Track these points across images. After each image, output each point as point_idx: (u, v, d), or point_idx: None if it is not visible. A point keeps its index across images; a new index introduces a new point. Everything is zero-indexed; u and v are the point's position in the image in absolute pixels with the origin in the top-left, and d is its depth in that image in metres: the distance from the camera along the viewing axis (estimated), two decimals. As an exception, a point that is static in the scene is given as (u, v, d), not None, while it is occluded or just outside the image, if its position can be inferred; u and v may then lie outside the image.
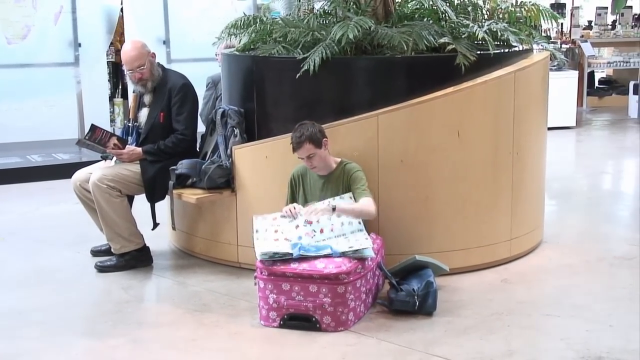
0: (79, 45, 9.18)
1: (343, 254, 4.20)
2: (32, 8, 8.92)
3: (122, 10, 9.44)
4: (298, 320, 4.20)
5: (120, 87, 10.09)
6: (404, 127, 4.82)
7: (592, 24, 13.00)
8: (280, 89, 5.16)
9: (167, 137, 5.22)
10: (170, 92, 5.26)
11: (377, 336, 4.12)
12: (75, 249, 5.66)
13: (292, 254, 4.19)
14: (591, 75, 12.86)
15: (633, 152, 9.26)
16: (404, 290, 4.32)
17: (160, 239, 5.60)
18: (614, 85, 13.15)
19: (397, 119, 4.81)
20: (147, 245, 5.31)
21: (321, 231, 4.38)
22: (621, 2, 12.05)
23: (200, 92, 5.80)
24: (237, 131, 5.16)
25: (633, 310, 4.40)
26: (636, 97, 11.48)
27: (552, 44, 7.40)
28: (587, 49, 11.96)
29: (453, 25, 5.23)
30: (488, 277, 4.96)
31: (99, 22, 9.34)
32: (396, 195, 4.85)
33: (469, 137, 4.90)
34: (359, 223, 4.44)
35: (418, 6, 5.66)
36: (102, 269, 5.20)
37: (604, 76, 13.72)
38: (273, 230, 4.40)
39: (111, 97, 9.88)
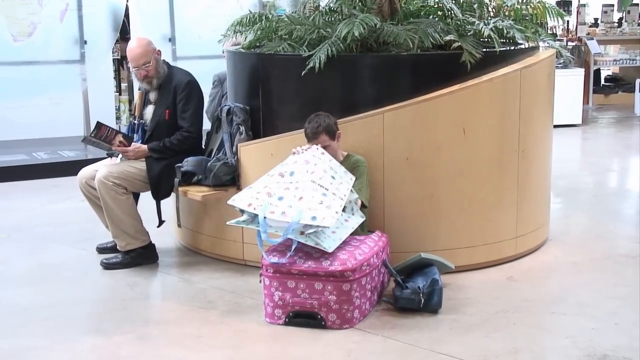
0: (85, 42, 9.19)
1: (299, 238, 4.13)
2: (38, 5, 8.92)
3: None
4: (303, 318, 4.20)
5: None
6: (410, 124, 4.82)
7: (598, 21, 12.97)
8: (286, 87, 5.16)
9: (172, 135, 5.23)
10: (175, 90, 5.27)
11: (382, 334, 4.11)
12: (80, 246, 5.67)
13: (257, 219, 4.17)
14: (597, 72, 12.83)
15: (639, 149, 9.24)
16: (409, 288, 4.32)
17: (165, 237, 5.61)
18: (620, 83, 13.13)
19: (402, 117, 4.80)
20: (152, 242, 5.32)
21: (312, 173, 4.34)
22: (627, 0, 12.02)
23: (206, 89, 5.80)
24: (242, 129, 5.16)
25: (638, 308, 4.39)
26: (642, 94, 11.47)
27: (558, 42, 7.40)
28: (593, 46, 11.94)
29: (459, 22, 5.22)
30: (493, 275, 4.95)
31: (105, 19, 9.34)
32: (401, 193, 4.85)
33: (474, 135, 4.89)
34: (341, 197, 4.31)
35: (424, 3, 5.66)
36: (107, 266, 5.21)
37: (610, 74, 13.68)
38: (267, 177, 4.39)
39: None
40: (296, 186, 4.28)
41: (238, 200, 4.29)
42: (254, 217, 4.24)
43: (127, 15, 9.51)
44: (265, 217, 4.17)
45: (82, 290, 4.90)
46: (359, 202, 4.54)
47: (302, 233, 4.15)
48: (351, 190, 4.45)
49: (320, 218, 4.11)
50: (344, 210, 4.37)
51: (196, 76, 5.43)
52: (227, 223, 4.45)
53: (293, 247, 4.20)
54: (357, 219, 4.49)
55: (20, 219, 6.48)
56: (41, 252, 5.64)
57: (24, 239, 5.95)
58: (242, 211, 4.28)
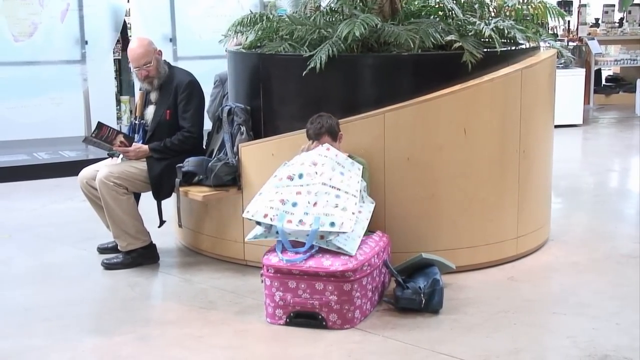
0: (86, 42, 9.20)
1: (319, 242, 4.17)
2: (39, 6, 8.93)
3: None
4: (304, 318, 4.20)
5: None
6: (411, 124, 4.82)
7: (599, 21, 12.97)
8: (287, 87, 5.16)
9: (173, 135, 5.23)
10: (176, 90, 5.27)
11: (383, 334, 4.11)
12: (81, 246, 5.67)
13: (275, 228, 4.20)
14: (598, 73, 12.83)
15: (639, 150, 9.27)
16: (410, 288, 4.32)
17: (166, 237, 5.61)
18: (620, 83, 13.12)
19: (403, 117, 4.80)
20: (153, 242, 5.32)
21: (322, 174, 4.34)
22: (628, 0, 12.01)
23: (207, 89, 5.81)
24: (243, 129, 5.16)
25: (639, 309, 4.39)
26: (643, 95, 11.46)
27: (559, 42, 7.39)
28: (594, 46, 11.93)
29: (460, 22, 5.22)
30: (494, 275, 4.95)
31: (106, 19, 9.36)
32: (402, 193, 4.85)
33: (475, 135, 4.89)
34: (354, 194, 4.33)
35: (425, 4, 5.66)
36: (108, 266, 5.21)
37: (611, 74, 13.68)
38: (276, 181, 4.40)
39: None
40: (308, 190, 4.28)
41: (253, 211, 4.29)
42: (270, 228, 4.26)
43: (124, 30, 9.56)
44: (283, 228, 4.19)
45: (83, 291, 4.90)
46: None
47: (321, 237, 4.18)
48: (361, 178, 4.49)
49: (338, 224, 4.14)
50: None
51: (197, 76, 5.43)
52: (246, 239, 4.48)
53: (313, 250, 4.20)
54: (369, 207, 4.52)
55: (21, 219, 6.49)
56: (42, 252, 5.64)
57: (25, 239, 5.95)
58: (258, 222, 4.30)
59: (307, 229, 4.16)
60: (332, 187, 4.29)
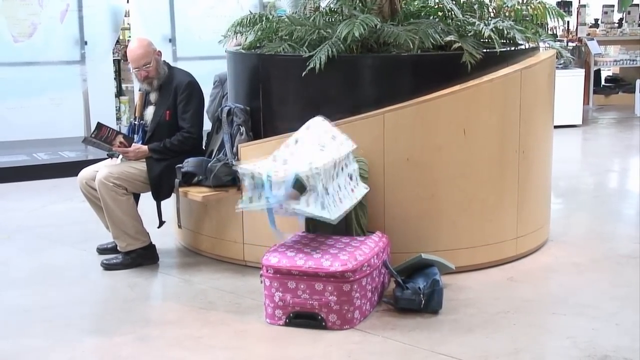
0: (85, 43, 9.20)
1: (305, 212, 4.14)
2: (38, 6, 8.93)
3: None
4: (304, 319, 4.19)
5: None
6: (410, 125, 4.82)
7: (599, 22, 12.97)
8: (286, 87, 5.16)
9: (173, 135, 5.23)
10: (176, 90, 5.27)
11: (383, 334, 4.11)
12: (81, 247, 5.67)
13: (263, 182, 4.17)
14: (597, 73, 12.82)
15: (639, 150, 9.24)
16: (410, 288, 4.32)
17: (166, 237, 5.61)
18: (620, 84, 13.11)
19: (403, 117, 4.80)
20: (153, 243, 5.32)
21: (311, 134, 4.38)
22: (627, 0, 12.01)
23: (207, 90, 5.81)
24: (243, 129, 5.16)
25: (639, 309, 4.39)
26: (643, 95, 11.46)
27: (559, 42, 7.39)
28: (593, 47, 11.93)
29: (459, 23, 5.22)
30: (494, 276, 4.95)
31: (105, 20, 9.35)
32: (402, 194, 4.85)
33: (475, 136, 4.89)
34: (348, 152, 4.40)
35: (424, 4, 5.66)
36: (108, 266, 5.21)
37: (611, 74, 13.67)
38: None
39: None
40: (299, 150, 4.30)
41: (243, 163, 4.29)
42: (257, 189, 4.19)
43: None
44: (269, 177, 4.12)
45: (83, 291, 4.90)
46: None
47: (308, 205, 4.12)
48: (354, 160, 4.50)
49: (314, 162, 4.12)
50: (350, 178, 4.40)
51: (196, 77, 5.43)
52: (236, 209, 4.36)
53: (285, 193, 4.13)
54: (362, 190, 4.52)
55: (21, 220, 6.48)
56: (42, 252, 5.64)
57: (24, 240, 5.95)
58: (243, 178, 4.25)
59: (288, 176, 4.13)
60: (319, 144, 4.31)
